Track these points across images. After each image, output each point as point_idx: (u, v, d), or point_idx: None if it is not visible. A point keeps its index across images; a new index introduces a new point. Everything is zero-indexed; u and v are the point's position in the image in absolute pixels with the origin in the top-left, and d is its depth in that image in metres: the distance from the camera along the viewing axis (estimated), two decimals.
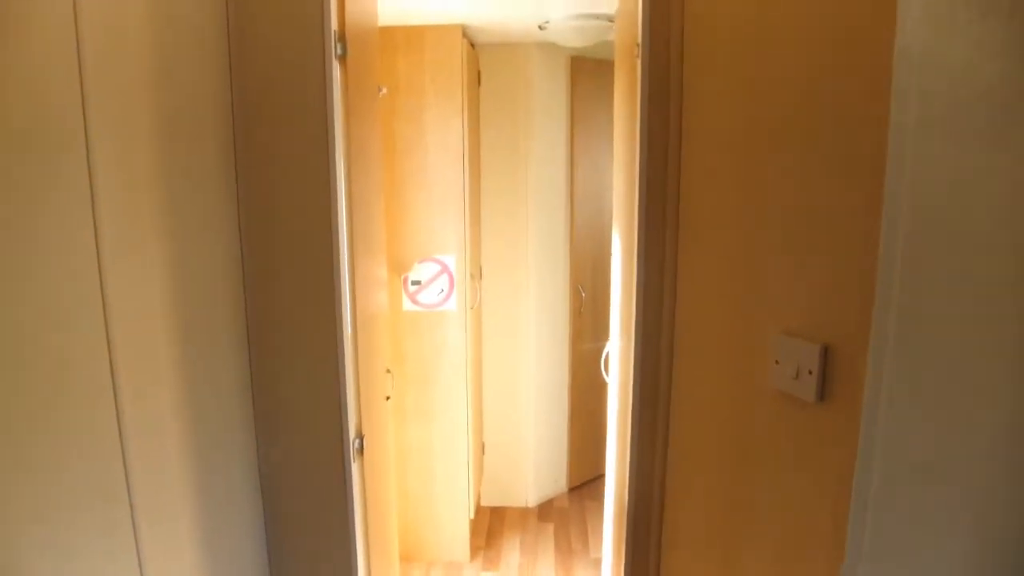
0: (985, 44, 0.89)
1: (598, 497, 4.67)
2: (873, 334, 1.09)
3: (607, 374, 2.92)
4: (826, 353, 1.37)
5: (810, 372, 1.40)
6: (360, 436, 2.24)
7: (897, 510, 1.06)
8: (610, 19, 3.38)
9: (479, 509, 4.53)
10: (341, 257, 2.06)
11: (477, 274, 4.19)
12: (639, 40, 2.07)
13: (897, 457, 1.05)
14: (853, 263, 1.26)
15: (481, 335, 4.38)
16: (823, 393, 1.39)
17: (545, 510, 4.60)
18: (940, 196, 0.95)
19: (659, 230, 2.08)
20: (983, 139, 0.90)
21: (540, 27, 3.61)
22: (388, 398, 2.80)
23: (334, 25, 2.00)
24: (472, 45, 3.91)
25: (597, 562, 3.96)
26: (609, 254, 3.15)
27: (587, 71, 4.36)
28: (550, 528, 4.36)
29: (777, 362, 1.51)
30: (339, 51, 2.05)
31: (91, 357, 1.39)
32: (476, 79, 4.02)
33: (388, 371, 2.80)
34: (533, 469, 4.58)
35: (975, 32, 0.90)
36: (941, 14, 0.95)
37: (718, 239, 1.81)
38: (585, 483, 4.93)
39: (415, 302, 3.72)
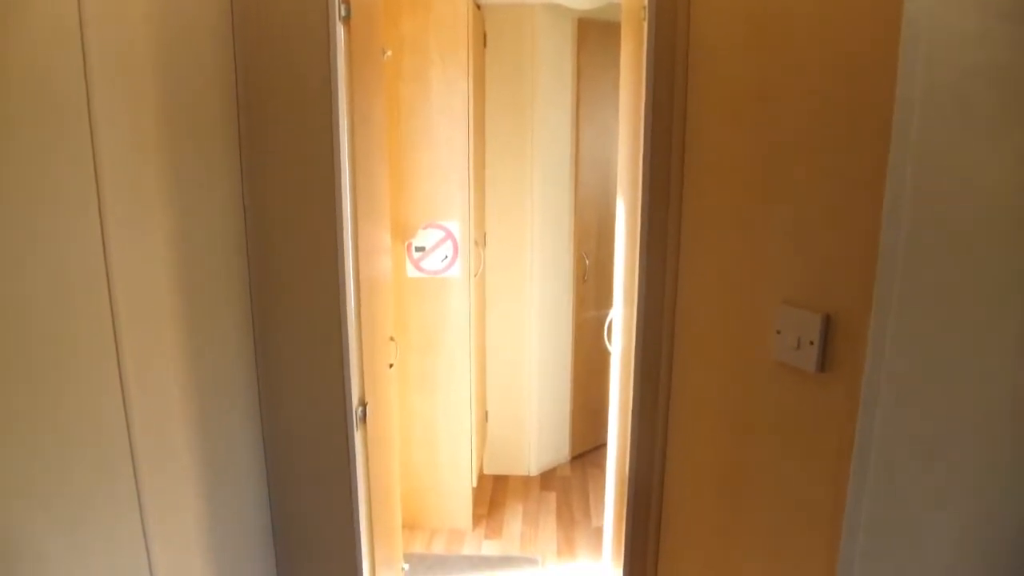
0: (992, 9, 0.86)
1: (600, 465, 4.68)
2: (875, 304, 1.08)
3: (610, 342, 2.90)
4: (827, 323, 1.36)
5: (811, 342, 1.39)
6: (363, 404, 2.22)
7: (896, 482, 1.06)
8: None
9: (481, 477, 4.54)
10: (344, 222, 2.04)
11: (481, 240, 4.16)
12: (646, 2, 2.02)
13: (897, 429, 1.05)
14: (856, 231, 1.25)
15: (484, 302, 4.36)
16: (824, 364, 1.38)
17: (547, 479, 4.61)
18: (945, 165, 0.93)
19: (663, 197, 2.05)
20: (990, 108, 0.87)
21: None
22: (391, 366, 2.78)
23: None
24: (478, 6, 3.84)
25: (599, 531, 3.97)
26: (613, 221, 3.12)
27: (594, 33, 4.29)
28: (552, 497, 4.38)
29: (778, 332, 1.50)
30: (343, 12, 2.00)
31: (96, 332, 1.38)
32: (482, 41, 3.96)
33: (392, 339, 2.78)
34: (536, 437, 4.58)
35: (986, 6, 0.87)
36: None
37: (722, 206, 1.78)
38: (588, 451, 4.93)
39: (419, 268, 3.69)
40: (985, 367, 0.91)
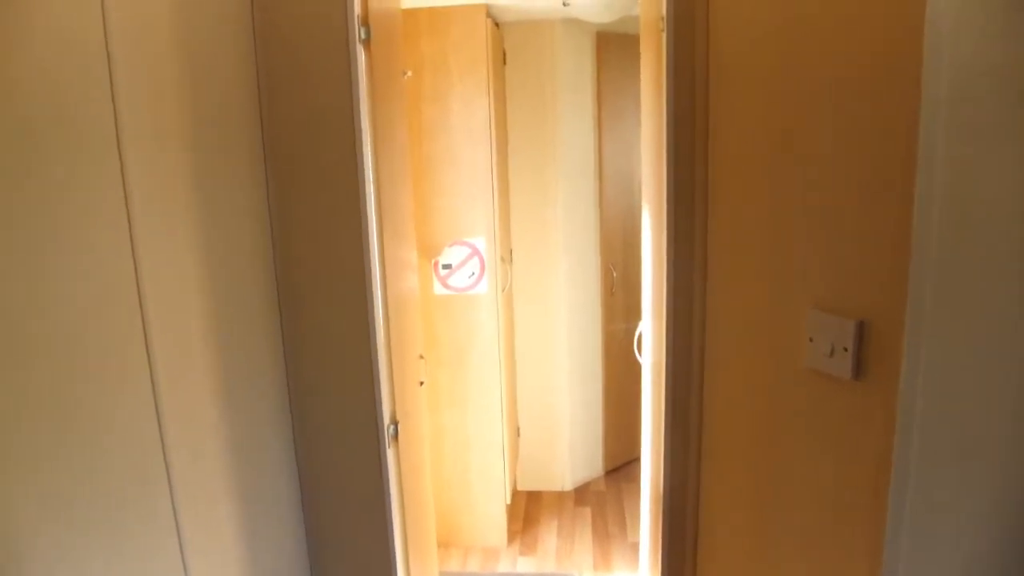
0: (1018, 8, 0.85)
1: (635, 479, 4.64)
2: (909, 309, 1.06)
3: (640, 355, 2.88)
4: (861, 329, 1.34)
5: (845, 349, 1.37)
6: (395, 422, 2.23)
7: (938, 488, 1.04)
8: None
9: (515, 493, 4.52)
10: (371, 241, 2.05)
11: (507, 256, 4.16)
12: (663, 13, 2.02)
13: (936, 435, 1.03)
14: (888, 235, 1.23)
15: (513, 318, 4.36)
16: (859, 371, 1.36)
17: (582, 493, 4.58)
18: (975, 166, 0.92)
19: (688, 206, 2.04)
20: (1019, 108, 0.86)
21: (564, 3, 3.55)
22: (422, 383, 2.79)
23: (357, 9, 1.98)
24: (496, 24, 3.87)
25: (635, 546, 3.93)
26: (639, 233, 3.11)
27: (612, 46, 4.29)
28: (587, 512, 4.35)
29: (811, 339, 1.48)
30: (363, 35, 2.02)
31: (127, 344, 1.39)
32: (501, 58, 3.98)
33: (421, 356, 2.79)
34: (568, 452, 4.56)
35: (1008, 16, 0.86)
36: None
37: (748, 213, 1.77)
38: (622, 465, 4.89)
39: (446, 286, 3.70)
40: (1022, 370, 0.89)
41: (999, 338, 0.91)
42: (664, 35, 2.03)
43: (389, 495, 2.18)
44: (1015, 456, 0.92)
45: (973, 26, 0.90)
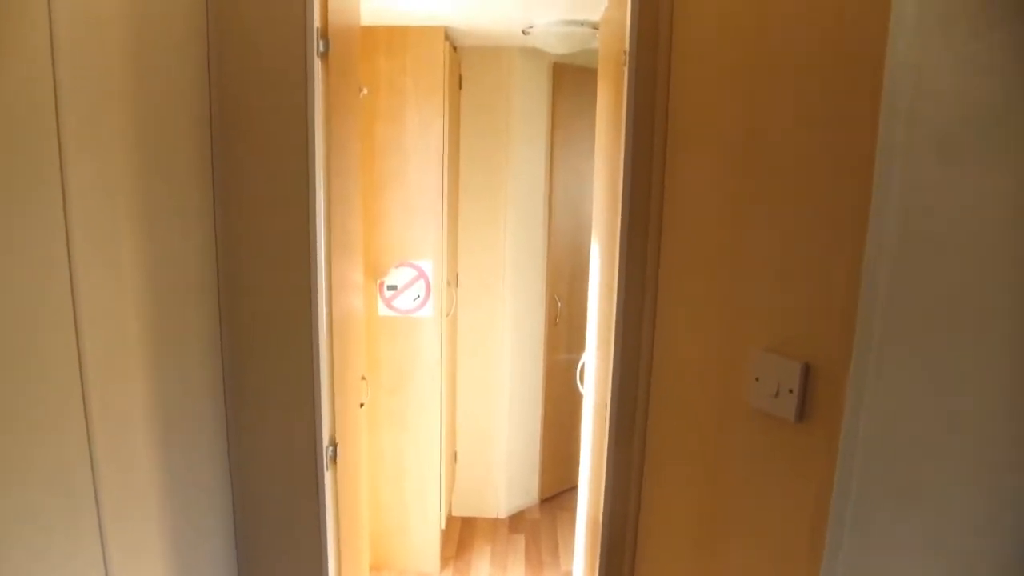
0: (978, 61, 0.87)
1: (569, 509, 4.64)
2: (855, 355, 1.07)
3: (582, 385, 2.89)
4: (807, 371, 1.35)
5: (790, 391, 1.38)
6: (334, 443, 2.18)
7: (874, 534, 1.05)
8: (594, 26, 3.36)
9: (450, 519, 4.47)
10: (318, 259, 2.01)
11: (453, 280, 4.14)
12: (627, 47, 2.04)
13: (875, 481, 1.04)
14: (837, 281, 1.25)
15: (456, 343, 4.33)
16: (803, 413, 1.37)
17: (516, 521, 4.55)
18: (928, 216, 0.94)
19: (641, 241, 2.06)
20: (973, 158, 0.88)
21: (524, 32, 3.58)
22: (362, 405, 2.74)
23: (317, 21, 1.95)
24: (454, 48, 3.87)
25: (567, 574, 3.92)
26: (586, 264, 3.13)
27: (569, 78, 4.33)
28: (521, 540, 4.32)
29: (757, 379, 1.49)
30: (321, 48, 2.00)
31: (60, 357, 1.34)
32: (457, 82, 3.99)
33: (363, 378, 2.75)
34: (505, 479, 4.53)
35: (968, 50, 0.88)
36: (933, 31, 0.93)
37: (701, 252, 1.79)
38: (557, 494, 4.88)
39: (391, 307, 3.67)
40: (967, 420, 0.90)
41: (945, 384, 0.92)
42: (625, 69, 2.05)
43: (325, 518, 2.12)
44: (954, 505, 0.93)
45: (933, 72, 0.92)
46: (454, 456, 4.41)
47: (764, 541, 1.50)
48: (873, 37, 1.09)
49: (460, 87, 4.05)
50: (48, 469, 1.30)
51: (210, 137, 1.98)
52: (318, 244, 2.01)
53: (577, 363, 3.03)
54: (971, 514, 0.91)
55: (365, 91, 3.32)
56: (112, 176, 1.51)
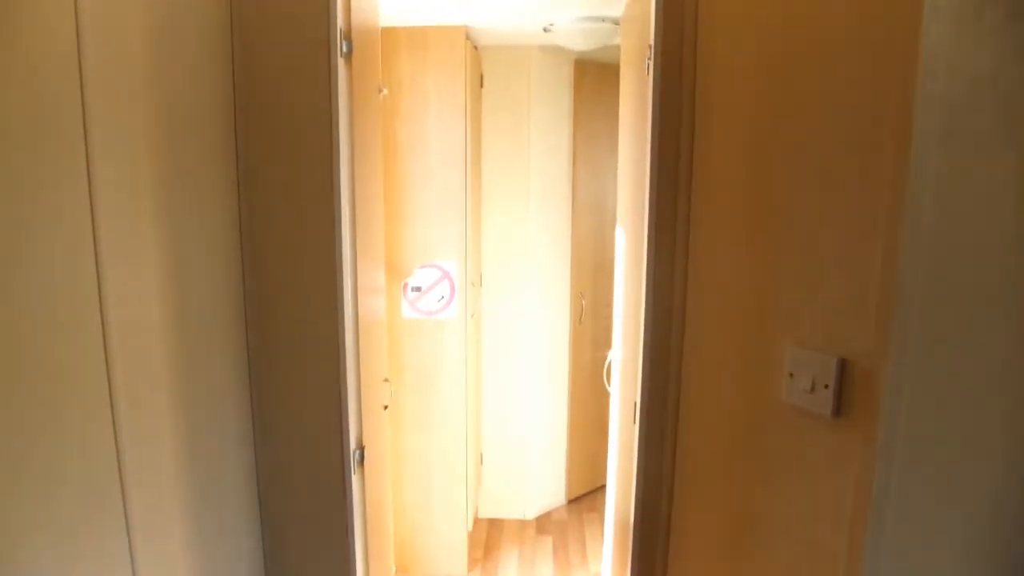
0: (1015, 45, 0.85)
1: (597, 509, 4.61)
2: (893, 348, 1.04)
3: (609, 384, 2.86)
4: (843, 366, 1.32)
5: (826, 386, 1.36)
6: (361, 447, 2.17)
7: (915, 530, 1.02)
8: (616, 22, 3.33)
9: (476, 521, 4.46)
10: (343, 262, 2.00)
11: (477, 280, 4.13)
12: (651, 42, 2.02)
13: (916, 477, 1.01)
14: (872, 273, 1.22)
15: (480, 343, 4.32)
16: (839, 408, 1.35)
17: (543, 523, 4.53)
18: (965, 205, 0.91)
19: (669, 237, 2.02)
20: (1013, 146, 0.85)
21: (545, 29, 3.55)
22: (386, 407, 2.73)
23: (340, 22, 1.94)
24: (475, 47, 3.86)
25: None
26: (610, 261, 3.10)
27: (590, 74, 4.31)
28: (548, 541, 4.29)
29: (791, 375, 1.46)
30: (344, 49, 1.99)
31: (88, 365, 1.33)
32: (479, 81, 3.97)
33: (386, 380, 2.74)
34: (532, 481, 4.51)
35: (1003, 35, 0.85)
36: (967, 16, 0.90)
37: (731, 247, 1.76)
38: (584, 495, 4.85)
39: (415, 309, 3.65)
40: (1008, 408, 0.88)
41: (985, 379, 0.89)
42: (650, 63, 2.02)
43: (352, 521, 2.11)
44: (995, 500, 0.90)
45: (966, 70, 0.89)
46: (480, 457, 4.39)
47: (801, 540, 1.48)
48: (905, 23, 1.07)
49: (481, 86, 4.03)
50: (77, 478, 1.30)
51: (234, 140, 1.97)
52: (343, 246, 2.00)
53: (603, 361, 3.00)
54: (1015, 513, 0.89)
55: (385, 92, 3.31)
56: (138, 179, 1.51)
